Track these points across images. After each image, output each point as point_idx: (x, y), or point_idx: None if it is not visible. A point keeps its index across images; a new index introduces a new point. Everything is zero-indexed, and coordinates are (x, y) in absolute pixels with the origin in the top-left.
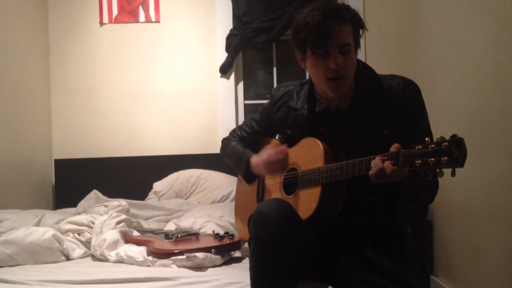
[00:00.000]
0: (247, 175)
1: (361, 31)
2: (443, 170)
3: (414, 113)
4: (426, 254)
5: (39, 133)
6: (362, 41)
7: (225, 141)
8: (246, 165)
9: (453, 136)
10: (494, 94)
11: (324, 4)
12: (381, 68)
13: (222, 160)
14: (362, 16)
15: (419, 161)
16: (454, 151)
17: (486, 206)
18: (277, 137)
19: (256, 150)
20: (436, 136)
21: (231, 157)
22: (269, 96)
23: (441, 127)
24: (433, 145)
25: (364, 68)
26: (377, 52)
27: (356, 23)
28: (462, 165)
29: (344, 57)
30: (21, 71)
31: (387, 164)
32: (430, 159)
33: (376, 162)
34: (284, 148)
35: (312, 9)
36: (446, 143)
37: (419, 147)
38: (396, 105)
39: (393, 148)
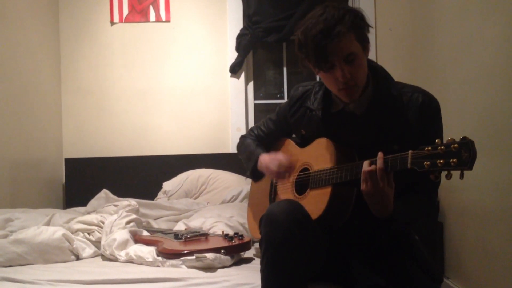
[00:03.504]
0: (254, 172)
1: (367, 31)
2: (452, 172)
3: (429, 131)
4: (437, 256)
5: (49, 132)
6: (372, 41)
7: (242, 138)
8: (255, 162)
9: (463, 138)
10: (506, 95)
11: (320, 17)
12: (391, 68)
13: (231, 160)
14: (373, 15)
15: (428, 163)
16: (464, 153)
17: (497, 207)
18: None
19: (272, 149)
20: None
21: (243, 153)
22: (279, 96)
23: (452, 127)
24: (442, 147)
25: (383, 77)
26: (388, 52)
27: (357, 30)
28: (471, 168)
29: (351, 66)
30: (32, 71)
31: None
32: (439, 161)
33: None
34: (292, 160)
35: (307, 26)
36: (455, 145)
37: (428, 148)
38: (412, 120)
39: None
